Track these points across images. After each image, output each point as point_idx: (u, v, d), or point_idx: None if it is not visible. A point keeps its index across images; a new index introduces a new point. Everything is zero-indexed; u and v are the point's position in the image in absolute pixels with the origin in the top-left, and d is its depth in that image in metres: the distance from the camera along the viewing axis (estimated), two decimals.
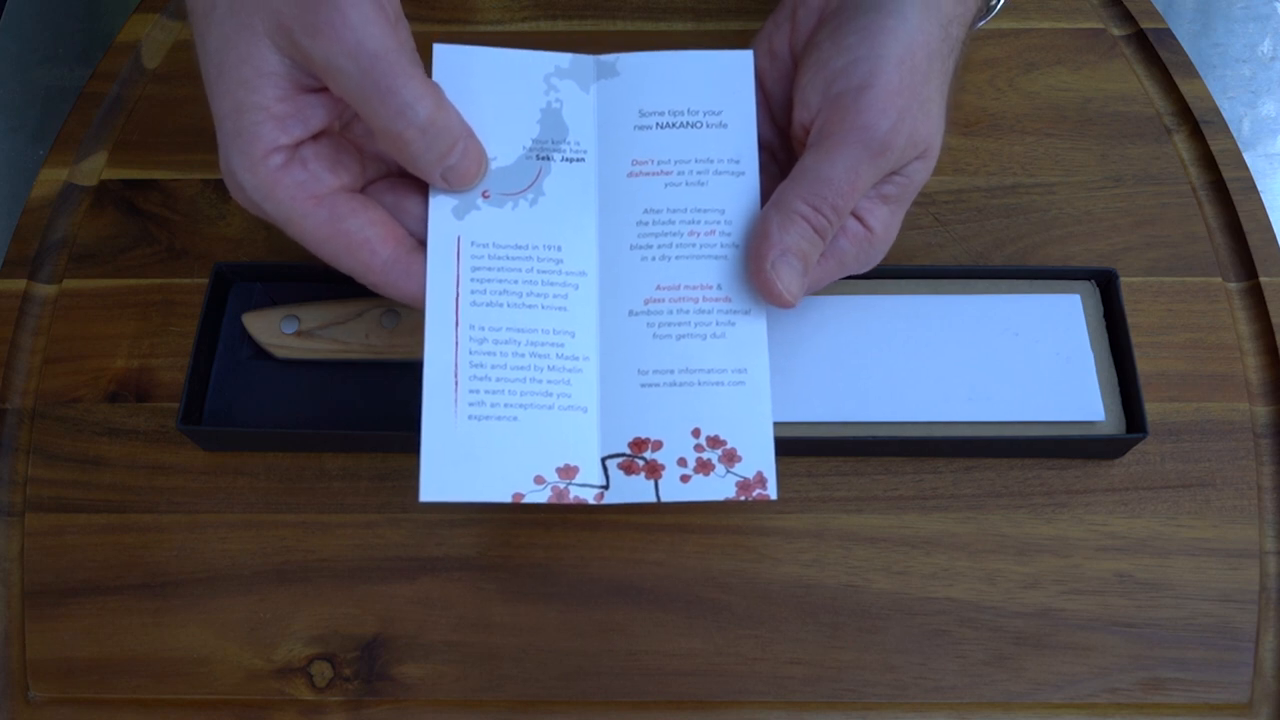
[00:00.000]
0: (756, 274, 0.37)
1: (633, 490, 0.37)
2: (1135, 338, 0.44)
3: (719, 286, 0.38)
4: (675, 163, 0.39)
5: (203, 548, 0.42)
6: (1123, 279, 0.46)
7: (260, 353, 0.44)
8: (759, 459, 0.37)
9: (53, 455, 0.44)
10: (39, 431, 0.44)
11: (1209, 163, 0.50)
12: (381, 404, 0.44)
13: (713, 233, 0.38)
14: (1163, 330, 0.46)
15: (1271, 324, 0.46)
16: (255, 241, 0.48)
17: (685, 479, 0.37)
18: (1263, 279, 0.47)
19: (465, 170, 0.36)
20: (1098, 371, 0.43)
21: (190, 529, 0.42)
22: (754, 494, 0.36)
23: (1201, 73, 0.53)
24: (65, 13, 0.59)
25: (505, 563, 0.42)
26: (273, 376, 0.44)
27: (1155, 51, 0.53)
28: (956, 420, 0.42)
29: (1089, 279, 0.45)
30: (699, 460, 0.37)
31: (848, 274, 0.40)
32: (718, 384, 0.37)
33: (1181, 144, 0.51)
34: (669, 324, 0.38)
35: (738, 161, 0.39)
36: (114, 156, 0.51)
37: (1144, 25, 0.54)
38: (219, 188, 0.50)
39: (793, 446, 0.43)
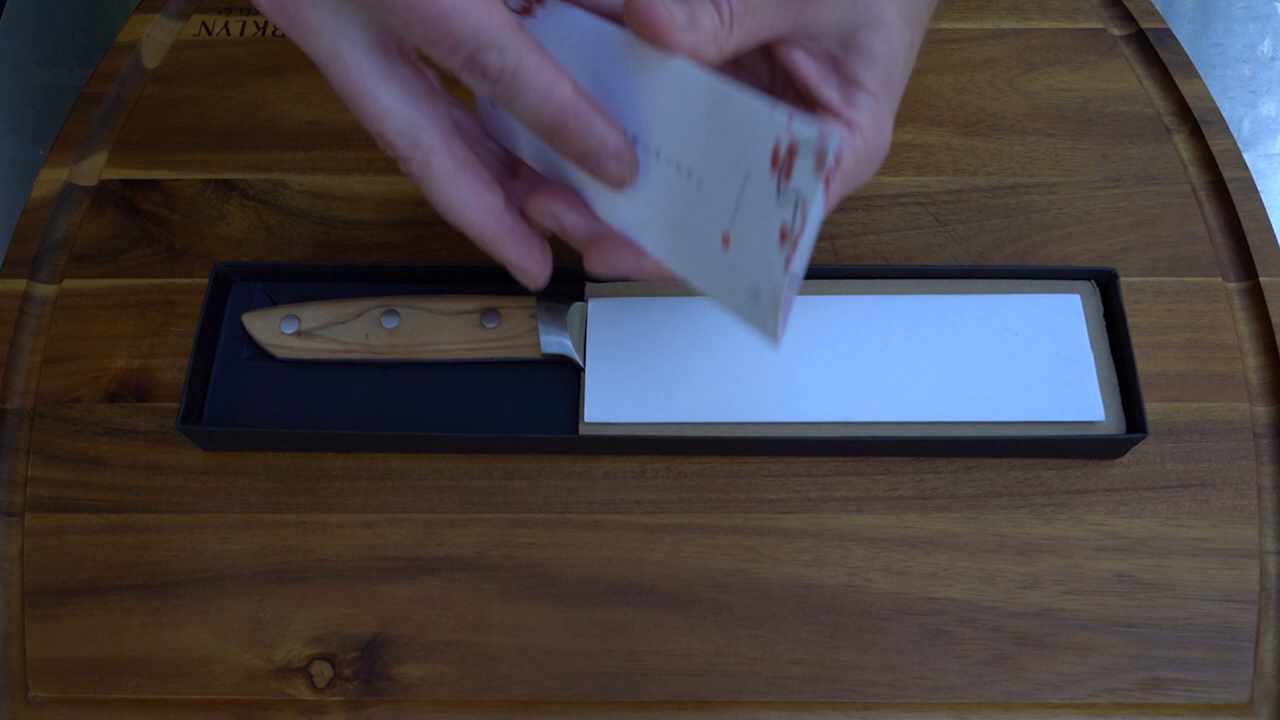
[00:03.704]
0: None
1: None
2: (1135, 338, 0.44)
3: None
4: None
5: (203, 548, 0.42)
6: (1123, 279, 0.46)
7: (260, 353, 0.44)
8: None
9: (53, 455, 0.44)
10: (39, 431, 0.44)
11: (1209, 163, 0.50)
12: (381, 404, 0.44)
13: None
14: (1163, 330, 0.46)
15: (1271, 324, 0.46)
16: (255, 241, 0.48)
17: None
18: (1263, 279, 0.47)
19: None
20: (1098, 371, 0.43)
21: (190, 529, 0.42)
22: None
23: (1201, 73, 0.53)
24: (65, 13, 0.59)
25: (505, 563, 0.42)
26: (273, 376, 0.44)
27: (1155, 51, 0.53)
28: (956, 420, 0.42)
29: (1089, 279, 0.45)
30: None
31: (854, 188, 0.35)
32: None
33: (1181, 144, 0.51)
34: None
35: None
36: (114, 156, 0.51)
37: (1144, 25, 0.54)
38: (219, 188, 0.50)
39: (793, 446, 0.43)
